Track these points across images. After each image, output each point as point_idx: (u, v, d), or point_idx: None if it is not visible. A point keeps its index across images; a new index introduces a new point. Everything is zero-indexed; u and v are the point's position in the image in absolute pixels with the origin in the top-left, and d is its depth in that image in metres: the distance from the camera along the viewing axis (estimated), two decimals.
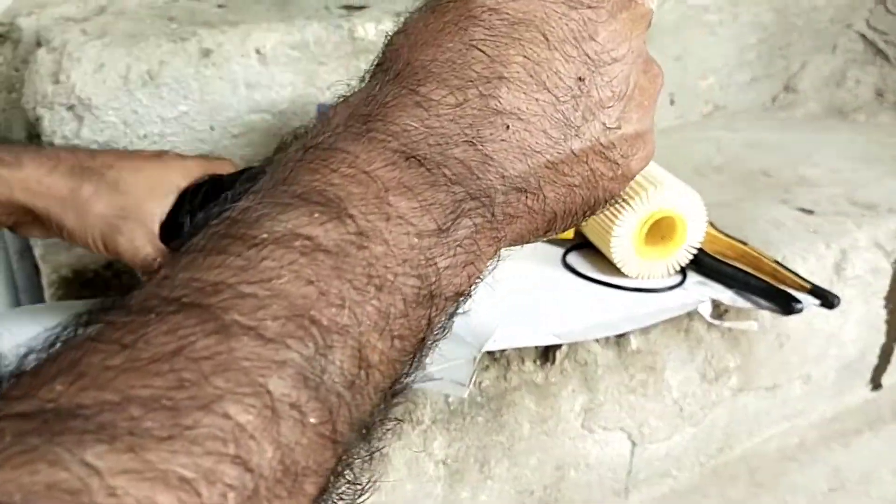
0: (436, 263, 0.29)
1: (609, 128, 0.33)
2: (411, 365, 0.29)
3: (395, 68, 0.32)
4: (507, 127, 0.31)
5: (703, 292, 0.72)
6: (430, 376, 0.58)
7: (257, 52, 0.79)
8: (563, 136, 0.32)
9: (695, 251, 0.73)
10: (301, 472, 0.24)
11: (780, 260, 0.77)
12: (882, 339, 0.89)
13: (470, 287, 0.31)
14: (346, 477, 0.27)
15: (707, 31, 1.03)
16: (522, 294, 0.68)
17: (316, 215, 0.27)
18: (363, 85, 0.33)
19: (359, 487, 0.28)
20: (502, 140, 0.31)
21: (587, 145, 0.33)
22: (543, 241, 0.78)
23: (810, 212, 0.89)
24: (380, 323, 0.27)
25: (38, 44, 0.77)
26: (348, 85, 0.35)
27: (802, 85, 1.14)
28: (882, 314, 0.87)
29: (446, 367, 0.59)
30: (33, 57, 0.76)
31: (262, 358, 0.24)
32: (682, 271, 0.74)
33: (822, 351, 0.84)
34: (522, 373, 0.65)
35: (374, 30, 0.85)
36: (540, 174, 0.32)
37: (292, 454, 0.24)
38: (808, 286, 0.72)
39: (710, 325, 0.73)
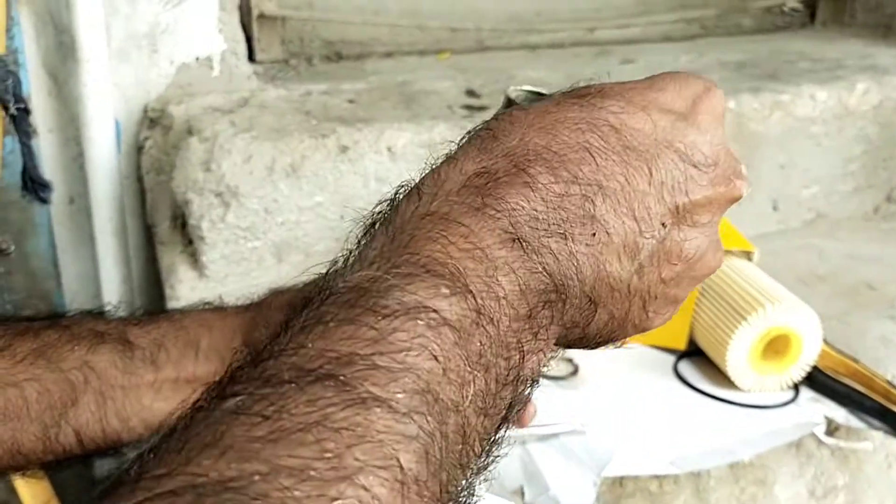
0: (522, 347, 0.30)
1: (664, 281, 0.35)
2: (491, 443, 0.30)
3: (507, 143, 0.33)
4: (594, 234, 0.33)
5: (816, 410, 0.72)
6: (556, 499, 0.60)
7: (388, 149, 0.84)
8: (629, 268, 0.34)
9: (809, 368, 0.74)
10: None
11: (890, 379, 0.77)
12: None
13: (539, 374, 0.32)
14: None
15: (813, 142, 1.05)
16: (636, 410, 0.70)
17: (442, 289, 0.28)
18: (468, 141, 0.35)
19: None
20: (587, 244, 0.32)
21: (641, 287, 0.34)
22: (653, 348, 0.80)
23: None
24: (479, 402, 0.28)
25: (190, 132, 0.83)
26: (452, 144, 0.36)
27: None
28: None
29: (566, 488, 0.61)
30: (185, 144, 0.82)
31: (394, 431, 0.25)
32: (795, 387, 0.74)
33: None
34: (638, 480, 0.67)
35: None
36: (601, 292, 0.33)
37: None
38: None
39: (821, 441, 0.73)
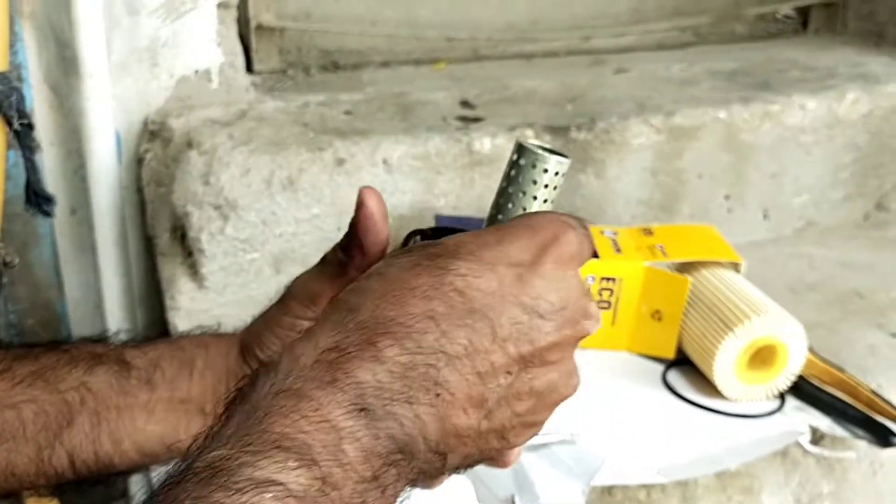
0: None
1: (517, 415, 0.38)
2: None
3: (360, 315, 0.37)
4: (438, 395, 0.36)
5: (802, 419, 0.74)
6: None
7: (384, 161, 0.86)
8: (476, 417, 0.37)
9: (795, 377, 0.75)
10: None
11: (875, 388, 0.79)
12: None
13: None
14: None
15: (803, 150, 1.07)
16: (625, 420, 0.71)
17: (290, 462, 0.31)
18: (328, 313, 0.38)
19: None
20: (431, 405, 0.36)
21: (493, 426, 0.38)
22: (642, 357, 0.81)
23: None
24: None
25: (189, 145, 0.85)
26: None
27: (894, 204, 1.16)
28: None
29: (556, 497, 0.62)
30: (184, 157, 0.84)
31: None
32: (781, 396, 0.76)
33: None
34: (626, 489, 0.68)
35: (489, 144, 0.91)
36: (449, 443, 0.37)
37: None
38: None
39: (806, 450, 0.75)
